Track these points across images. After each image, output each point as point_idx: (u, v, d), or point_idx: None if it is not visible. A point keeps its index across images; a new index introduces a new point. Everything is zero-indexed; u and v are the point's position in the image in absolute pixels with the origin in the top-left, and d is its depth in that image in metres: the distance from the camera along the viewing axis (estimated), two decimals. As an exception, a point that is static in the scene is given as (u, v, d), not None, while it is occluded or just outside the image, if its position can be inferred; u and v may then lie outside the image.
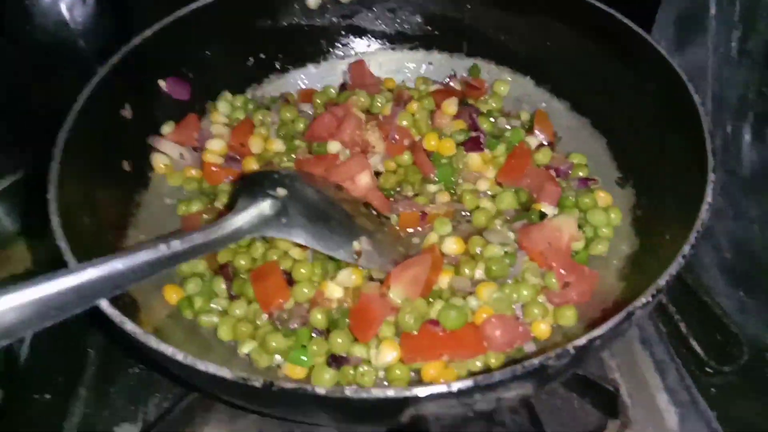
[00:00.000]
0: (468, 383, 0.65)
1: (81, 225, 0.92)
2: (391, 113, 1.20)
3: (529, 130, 1.21)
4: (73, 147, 0.94)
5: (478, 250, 1.03)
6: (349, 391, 0.64)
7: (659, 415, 0.96)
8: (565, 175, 1.14)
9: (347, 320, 0.94)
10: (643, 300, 0.72)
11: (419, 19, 1.33)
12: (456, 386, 0.65)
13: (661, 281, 0.74)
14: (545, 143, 1.18)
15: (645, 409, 0.96)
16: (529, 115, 1.24)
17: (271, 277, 0.97)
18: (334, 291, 0.95)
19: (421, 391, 0.65)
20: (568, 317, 0.94)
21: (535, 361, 0.67)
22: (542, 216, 1.06)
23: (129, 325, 0.74)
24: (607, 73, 1.14)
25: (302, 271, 0.97)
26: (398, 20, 1.33)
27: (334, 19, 1.32)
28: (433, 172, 1.15)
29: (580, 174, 1.13)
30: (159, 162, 1.15)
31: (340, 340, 0.92)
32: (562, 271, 0.96)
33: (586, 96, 1.19)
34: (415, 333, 0.91)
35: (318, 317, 0.94)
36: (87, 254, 0.78)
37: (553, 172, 1.13)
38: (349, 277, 0.95)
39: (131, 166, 1.11)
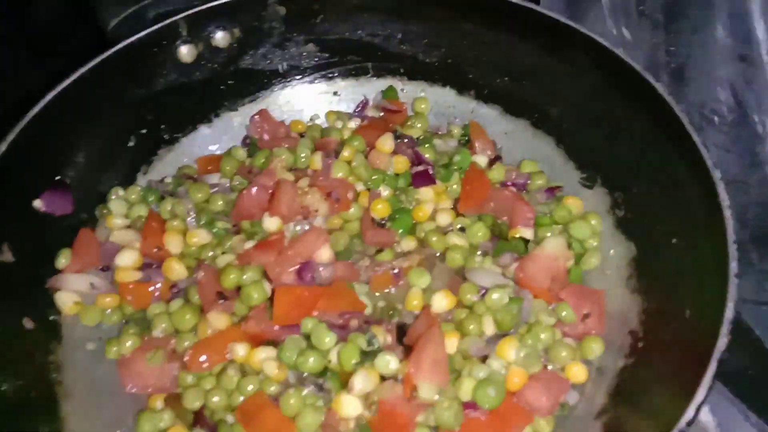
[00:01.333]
0: None
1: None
2: (323, 166, 1.05)
3: (466, 146, 1.11)
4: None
5: (471, 298, 0.93)
6: None
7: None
8: (523, 188, 1.06)
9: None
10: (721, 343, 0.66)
11: (313, 48, 1.17)
12: None
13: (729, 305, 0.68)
14: (490, 158, 1.10)
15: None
16: (461, 129, 1.14)
17: (267, 412, 0.80)
18: (352, 408, 0.80)
19: None
20: (596, 350, 0.88)
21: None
22: (525, 243, 0.97)
23: None
24: (535, 66, 1.07)
25: (291, 402, 0.81)
26: (288, 54, 1.16)
27: (216, 68, 1.12)
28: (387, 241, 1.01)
29: (539, 183, 1.05)
30: (66, 302, 0.92)
31: (373, 461, 0.78)
32: (575, 301, 0.89)
33: (517, 95, 1.11)
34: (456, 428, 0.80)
35: (339, 445, 0.79)
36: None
37: (513, 189, 1.05)
38: (366, 381, 0.81)
39: (32, 321, 0.87)
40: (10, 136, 0.89)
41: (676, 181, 0.88)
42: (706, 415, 0.96)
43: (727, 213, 0.75)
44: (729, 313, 0.67)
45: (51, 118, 0.95)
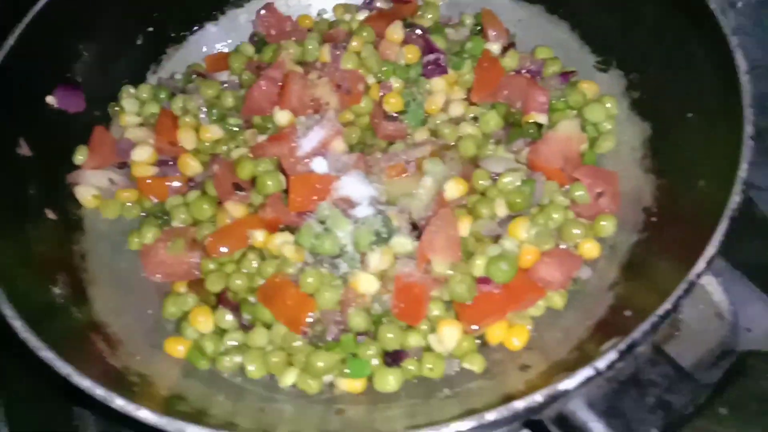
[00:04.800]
0: (612, 356, 0.57)
1: (32, 304, 0.72)
2: (332, 58, 1.03)
3: (479, 35, 1.09)
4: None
5: (483, 183, 0.93)
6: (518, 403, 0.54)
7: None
8: (537, 74, 1.04)
9: (390, 311, 0.82)
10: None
11: (319, -65, 1.13)
12: (601, 363, 0.57)
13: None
14: (504, 45, 1.07)
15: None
16: (473, 18, 1.11)
17: (287, 291, 0.83)
18: (370, 284, 0.82)
19: (569, 384, 0.56)
20: (609, 228, 0.88)
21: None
22: (539, 127, 0.97)
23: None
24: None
25: (310, 280, 0.83)
26: (294, -57, 1.13)
27: (221, -38, 1.10)
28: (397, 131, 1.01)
29: (553, 69, 1.03)
30: (86, 195, 0.94)
31: (390, 335, 0.81)
32: (590, 181, 0.89)
33: (531, -20, 1.08)
34: (468, 301, 0.82)
35: (357, 320, 0.82)
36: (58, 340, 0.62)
37: (527, 75, 1.03)
38: (380, 259, 0.83)
39: (55, 212, 0.89)
40: (17, 31, 0.89)
41: (692, 55, 0.85)
42: (720, 295, 0.97)
43: (744, 78, 0.73)
44: (742, 173, 0.67)
45: (56, 13, 0.94)
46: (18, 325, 0.65)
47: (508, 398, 0.59)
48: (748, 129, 0.70)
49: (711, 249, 0.64)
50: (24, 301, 0.69)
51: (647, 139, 0.93)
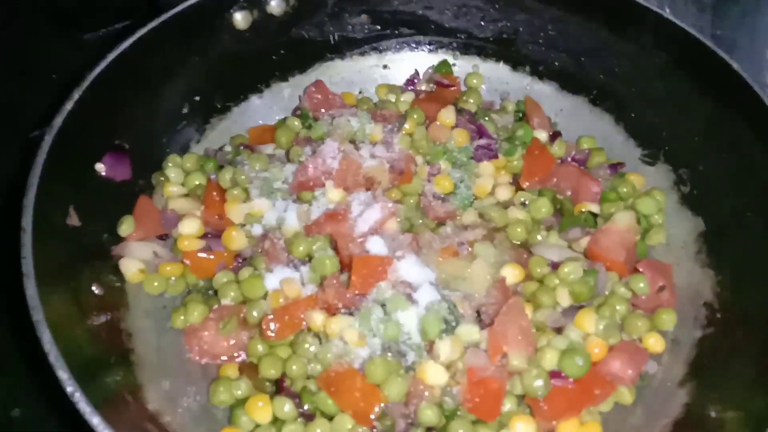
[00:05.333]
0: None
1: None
2: (386, 138, 1.03)
3: (523, 121, 1.11)
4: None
5: (541, 271, 0.92)
6: None
7: None
8: (583, 164, 1.06)
9: (461, 405, 0.79)
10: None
11: (365, 19, 1.15)
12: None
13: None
14: (550, 134, 1.09)
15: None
16: (515, 104, 1.14)
17: (354, 379, 0.79)
18: (439, 375, 0.79)
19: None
20: (668, 321, 0.88)
21: None
22: (594, 217, 0.98)
23: None
24: (596, 43, 1.07)
25: (377, 370, 0.80)
26: (341, 24, 1.14)
27: (269, 36, 1.10)
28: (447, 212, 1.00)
29: (599, 159, 1.06)
30: (132, 268, 0.89)
31: (461, 431, 0.77)
32: (651, 274, 0.89)
33: (575, 72, 1.11)
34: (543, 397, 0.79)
35: (429, 414, 0.78)
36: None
37: (575, 164, 1.05)
38: (451, 349, 0.80)
39: (101, 287, 0.84)
40: (72, 99, 0.86)
41: (749, 154, 0.88)
42: None
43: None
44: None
45: (109, 81, 0.91)
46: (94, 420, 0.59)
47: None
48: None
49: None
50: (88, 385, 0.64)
51: (701, 234, 0.94)
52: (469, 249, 0.95)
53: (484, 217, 1.01)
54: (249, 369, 0.85)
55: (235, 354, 0.87)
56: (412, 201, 1.02)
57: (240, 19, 1.06)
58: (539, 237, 0.98)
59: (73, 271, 0.80)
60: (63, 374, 0.61)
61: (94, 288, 0.83)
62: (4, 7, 1.38)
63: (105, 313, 0.82)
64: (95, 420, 0.61)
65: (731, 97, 0.91)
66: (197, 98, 1.06)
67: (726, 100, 0.92)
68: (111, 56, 0.91)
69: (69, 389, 0.61)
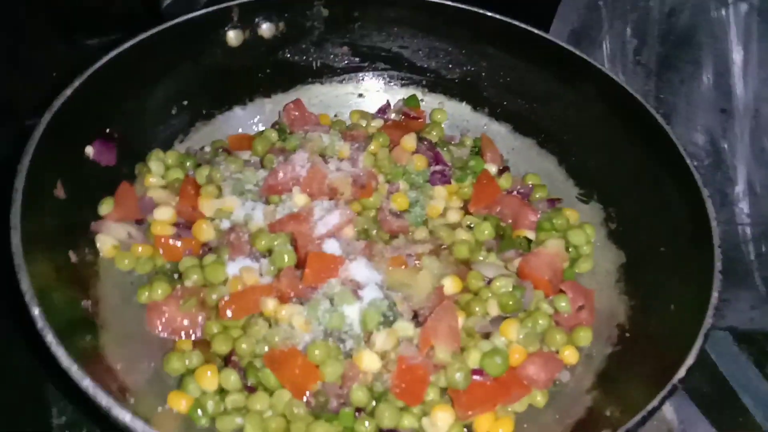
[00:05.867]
0: None
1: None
2: (351, 155, 1.14)
3: (478, 156, 1.23)
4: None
5: (477, 284, 1.03)
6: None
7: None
8: (526, 197, 1.18)
9: (390, 390, 0.88)
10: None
11: (347, 51, 1.27)
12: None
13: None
14: (499, 168, 1.21)
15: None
16: (472, 140, 1.26)
17: (296, 358, 0.88)
18: (372, 362, 0.88)
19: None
20: (585, 338, 0.98)
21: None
22: (528, 242, 1.09)
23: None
24: (547, 91, 1.20)
25: (317, 352, 0.89)
26: (324, 53, 1.27)
27: (258, 56, 1.22)
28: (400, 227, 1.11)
29: (539, 195, 1.17)
30: (106, 244, 0.97)
31: (387, 413, 0.86)
32: (572, 295, 1.00)
33: (527, 116, 1.24)
34: (463, 389, 0.89)
35: (359, 395, 0.87)
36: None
37: (518, 196, 1.17)
38: (385, 340, 0.89)
39: (76, 255, 0.93)
40: (72, 86, 0.96)
41: (667, 199, 1.01)
42: (671, 414, 1.08)
43: (714, 223, 0.88)
44: (714, 300, 0.79)
45: (107, 76, 1.01)
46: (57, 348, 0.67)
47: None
48: (718, 265, 0.83)
49: (691, 358, 0.75)
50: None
51: (622, 266, 1.06)
52: (417, 262, 1.06)
53: (433, 235, 1.12)
54: (202, 345, 0.93)
55: (191, 332, 0.95)
56: (371, 214, 1.12)
57: (233, 37, 1.18)
58: (480, 257, 1.08)
59: (54, 234, 0.88)
60: (35, 310, 0.69)
61: (70, 254, 0.91)
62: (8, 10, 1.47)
63: (77, 276, 0.90)
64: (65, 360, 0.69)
65: (654, 145, 1.04)
66: (185, 102, 1.16)
67: (650, 148, 1.05)
68: (112, 54, 1.01)
69: (39, 325, 0.69)
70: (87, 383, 0.66)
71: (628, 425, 0.68)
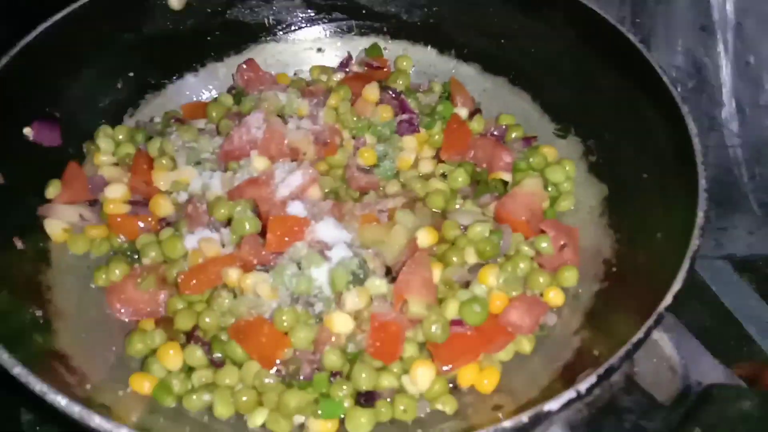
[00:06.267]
0: (591, 380, 0.60)
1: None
2: (310, 112, 1.08)
3: (448, 101, 1.16)
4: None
5: (453, 233, 0.97)
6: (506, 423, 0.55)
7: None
8: (501, 138, 1.11)
9: (364, 351, 0.83)
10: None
11: (299, 3, 1.20)
12: (582, 387, 0.59)
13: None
14: (470, 111, 1.15)
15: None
16: (441, 86, 1.19)
17: (261, 328, 0.83)
18: (345, 323, 0.83)
19: (553, 405, 0.58)
20: (571, 278, 0.93)
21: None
22: (504, 184, 1.03)
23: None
24: (512, 26, 1.13)
25: (284, 318, 0.84)
26: (275, 8, 1.20)
27: (204, 18, 1.15)
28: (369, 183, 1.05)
29: (515, 135, 1.11)
30: (56, 229, 0.92)
31: (364, 375, 0.81)
32: (554, 234, 0.94)
33: (495, 55, 1.17)
34: (442, 341, 0.83)
35: (332, 358, 0.82)
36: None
37: (492, 138, 1.10)
38: (356, 299, 0.84)
39: (24, 242, 0.87)
40: (3, 60, 0.90)
41: (647, 123, 0.94)
42: (671, 350, 1.02)
43: (696, 139, 0.82)
44: (700, 220, 0.73)
45: (41, 51, 0.96)
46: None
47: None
48: (702, 182, 0.77)
49: (677, 284, 0.69)
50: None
51: (605, 199, 1.00)
52: (389, 218, 1.00)
53: (406, 188, 1.06)
54: (167, 323, 0.88)
55: (155, 312, 0.90)
56: (338, 173, 1.07)
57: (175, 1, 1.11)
58: (457, 205, 1.03)
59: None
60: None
61: (15, 241, 0.86)
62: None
63: (25, 264, 0.85)
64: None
65: (632, 70, 0.97)
66: (131, 74, 1.10)
67: (627, 73, 0.98)
68: (41, 27, 0.95)
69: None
70: (18, 370, 0.61)
71: (612, 360, 0.62)
